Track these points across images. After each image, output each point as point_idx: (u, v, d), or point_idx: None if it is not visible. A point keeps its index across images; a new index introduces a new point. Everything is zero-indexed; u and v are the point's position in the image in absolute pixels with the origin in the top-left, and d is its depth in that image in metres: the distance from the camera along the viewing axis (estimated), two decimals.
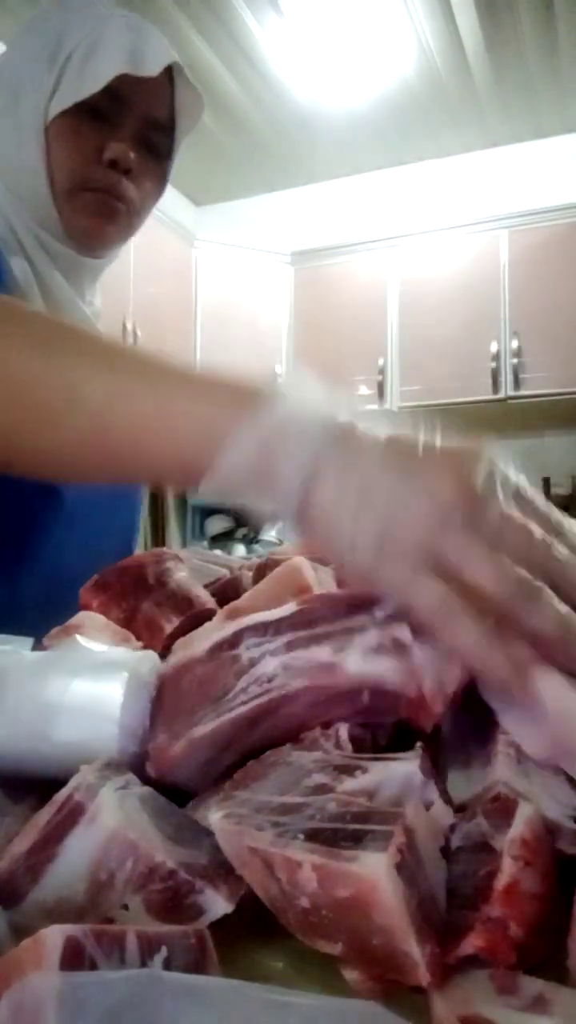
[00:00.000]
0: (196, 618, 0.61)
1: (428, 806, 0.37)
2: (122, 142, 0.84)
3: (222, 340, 3.76)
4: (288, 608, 0.45)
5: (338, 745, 0.43)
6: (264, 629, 0.45)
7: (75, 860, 0.36)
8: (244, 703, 0.43)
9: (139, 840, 0.36)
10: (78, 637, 0.53)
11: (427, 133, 3.83)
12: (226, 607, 0.59)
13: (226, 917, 0.35)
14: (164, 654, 0.54)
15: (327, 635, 0.44)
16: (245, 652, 0.44)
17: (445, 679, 0.41)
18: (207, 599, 0.65)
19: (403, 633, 0.42)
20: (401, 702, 0.42)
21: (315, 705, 0.44)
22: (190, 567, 0.70)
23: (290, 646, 0.44)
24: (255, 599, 0.56)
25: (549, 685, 0.38)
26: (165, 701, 0.45)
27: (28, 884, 0.37)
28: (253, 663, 0.44)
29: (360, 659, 0.42)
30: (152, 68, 0.82)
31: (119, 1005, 0.25)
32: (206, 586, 0.69)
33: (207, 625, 0.56)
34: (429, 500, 0.40)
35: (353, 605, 0.44)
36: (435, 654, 0.41)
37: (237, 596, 0.65)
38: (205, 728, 0.43)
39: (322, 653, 0.43)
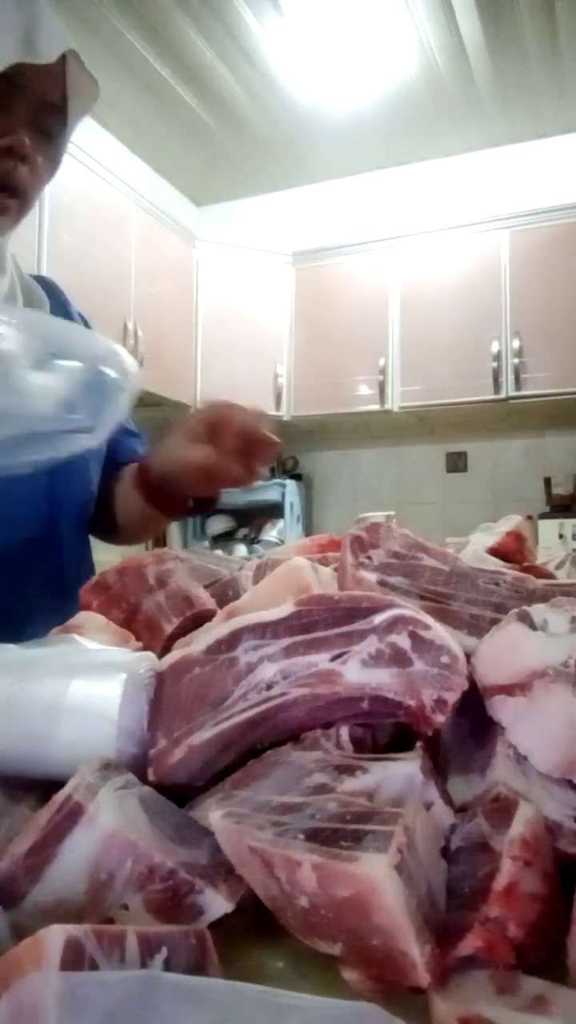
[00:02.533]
0: (196, 618, 0.61)
1: (428, 806, 0.37)
2: (17, 128, 0.82)
3: (223, 340, 3.76)
4: (286, 609, 0.45)
5: (339, 745, 0.43)
6: (262, 631, 0.45)
7: (75, 860, 0.36)
8: (243, 711, 0.43)
9: (139, 840, 0.36)
10: (76, 637, 0.53)
11: (428, 133, 3.83)
12: (226, 607, 0.59)
13: (226, 917, 0.35)
14: (164, 654, 0.54)
15: (325, 641, 0.43)
16: (243, 656, 0.44)
17: (445, 689, 0.41)
18: (207, 599, 0.65)
19: (403, 641, 0.42)
20: (400, 710, 0.42)
21: (314, 710, 0.43)
22: (190, 567, 0.70)
23: (288, 651, 0.44)
24: (255, 599, 0.56)
25: (563, 700, 0.38)
26: (163, 702, 0.45)
27: (28, 884, 0.37)
28: (251, 668, 0.44)
29: (359, 668, 0.42)
30: (47, 55, 0.80)
31: (119, 1005, 0.25)
32: (206, 586, 0.69)
33: (207, 625, 0.56)
34: None
35: (351, 610, 0.44)
36: (435, 663, 0.41)
37: (237, 596, 0.65)
38: (204, 735, 0.42)
39: (321, 660, 0.43)
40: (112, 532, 1.07)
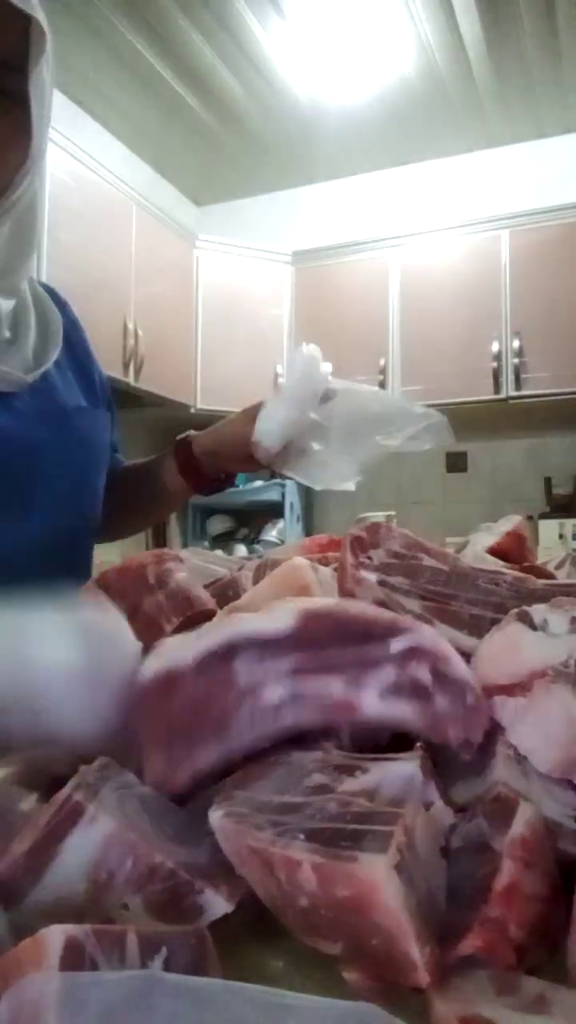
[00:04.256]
0: (196, 618, 0.61)
1: (428, 806, 0.37)
2: None
3: (223, 340, 3.76)
4: (286, 622, 0.42)
5: (339, 745, 0.43)
6: (262, 647, 0.41)
7: (75, 860, 0.36)
8: (251, 736, 0.41)
9: (139, 840, 0.36)
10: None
11: (427, 133, 3.83)
12: (226, 607, 0.59)
13: (226, 917, 0.35)
14: None
15: (338, 665, 0.41)
16: (242, 674, 0.41)
17: (472, 729, 0.39)
18: (207, 599, 0.65)
19: (422, 673, 0.40)
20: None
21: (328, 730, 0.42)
22: (190, 567, 0.70)
23: (296, 673, 0.41)
24: (255, 599, 0.56)
25: (563, 700, 0.38)
26: (151, 720, 0.42)
27: (28, 884, 0.36)
28: (253, 688, 0.41)
29: (378, 699, 0.40)
30: None
31: (118, 1006, 0.25)
32: (206, 586, 0.69)
33: (200, 630, 0.53)
34: None
35: (364, 633, 0.41)
36: (459, 702, 0.39)
37: (237, 596, 0.65)
38: (210, 759, 0.41)
39: (335, 687, 0.40)
40: (103, 531, 1.08)
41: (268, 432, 0.93)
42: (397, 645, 0.40)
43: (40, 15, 0.76)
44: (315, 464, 0.93)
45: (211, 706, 0.41)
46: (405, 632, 0.41)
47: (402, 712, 0.40)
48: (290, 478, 0.99)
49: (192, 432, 1.05)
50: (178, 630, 0.60)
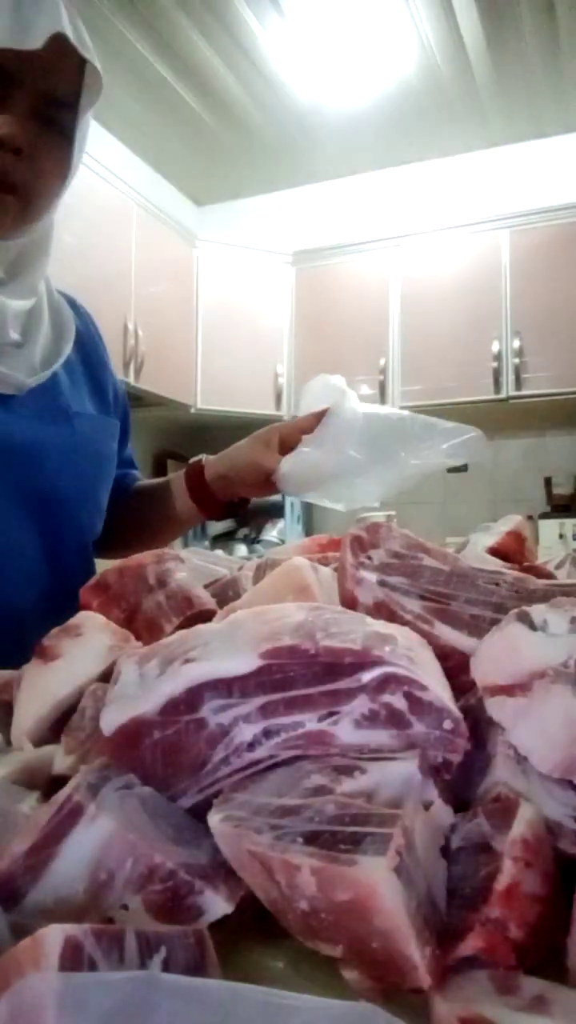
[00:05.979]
0: (196, 618, 0.61)
1: (428, 806, 0.37)
2: (11, 118, 0.77)
3: (223, 340, 3.76)
4: (249, 662, 0.40)
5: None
6: (227, 688, 0.40)
7: (75, 860, 0.36)
8: (229, 775, 0.40)
9: (139, 840, 0.36)
10: None
11: (428, 133, 3.83)
12: (226, 607, 0.59)
13: (226, 917, 0.35)
14: None
15: (308, 700, 0.40)
16: (211, 717, 0.40)
17: (450, 751, 0.39)
18: (207, 599, 0.65)
19: (398, 702, 0.39)
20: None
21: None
22: (190, 567, 0.70)
23: (266, 711, 0.40)
24: (255, 599, 0.56)
25: (564, 700, 0.38)
26: (122, 767, 0.41)
27: (28, 884, 0.36)
28: (225, 731, 0.40)
29: (352, 728, 0.40)
30: (34, 41, 0.74)
31: (118, 1007, 0.25)
32: (206, 586, 0.69)
33: (145, 650, 0.47)
34: None
35: (333, 666, 0.40)
36: (436, 726, 0.39)
37: (237, 596, 0.66)
38: (190, 802, 0.41)
39: (307, 720, 0.40)
40: (109, 547, 1.08)
41: (299, 478, 0.92)
42: (368, 676, 0.39)
43: (96, 60, 0.82)
44: (338, 487, 0.93)
45: (185, 752, 0.41)
46: (375, 664, 0.39)
47: (379, 739, 0.39)
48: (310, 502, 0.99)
49: (204, 456, 1.04)
50: (178, 630, 0.60)
